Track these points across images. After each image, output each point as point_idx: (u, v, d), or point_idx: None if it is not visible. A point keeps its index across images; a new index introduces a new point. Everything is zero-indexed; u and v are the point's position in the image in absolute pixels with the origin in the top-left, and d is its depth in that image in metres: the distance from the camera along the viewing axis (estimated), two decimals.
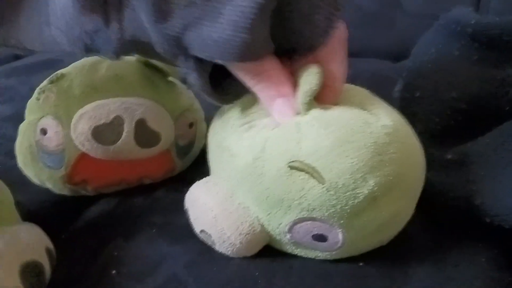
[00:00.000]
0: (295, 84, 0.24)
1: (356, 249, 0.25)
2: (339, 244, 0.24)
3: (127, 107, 0.30)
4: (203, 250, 0.26)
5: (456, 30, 0.32)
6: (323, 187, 0.22)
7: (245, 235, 0.24)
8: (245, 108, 0.27)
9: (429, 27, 0.37)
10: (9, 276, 0.23)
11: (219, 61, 0.23)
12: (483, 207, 0.24)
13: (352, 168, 0.21)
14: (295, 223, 0.23)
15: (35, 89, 0.33)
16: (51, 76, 0.33)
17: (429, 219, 0.28)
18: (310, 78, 0.23)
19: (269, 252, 0.26)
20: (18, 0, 0.28)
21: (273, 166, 0.22)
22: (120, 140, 0.30)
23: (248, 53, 0.22)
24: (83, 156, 0.31)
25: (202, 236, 0.27)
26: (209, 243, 0.26)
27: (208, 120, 0.30)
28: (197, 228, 0.26)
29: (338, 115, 0.23)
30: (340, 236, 0.23)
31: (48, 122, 0.31)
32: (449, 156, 0.28)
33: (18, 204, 0.31)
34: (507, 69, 0.28)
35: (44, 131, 0.31)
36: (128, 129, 0.30)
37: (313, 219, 0.23)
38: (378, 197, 0.22)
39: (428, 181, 0.27)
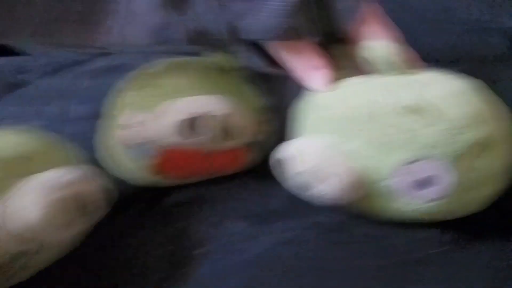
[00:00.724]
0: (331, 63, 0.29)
1: (461, 203, 0.26)
2: (443, 190, 0.24)
3: (215, 102, 0.32)
4: (290, 231, 0.28)
5: None
6: (437, 127, 0.24)
7: (343, 179, 0.25)
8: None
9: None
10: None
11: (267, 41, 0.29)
12: None
13: (474, 112, 0.24)
14: (402, 165, 0.25)
15: (111, 90, 0.36)
16: (137, 72, 0.36)
17: None
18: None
19: None
20: None
21: (387, 110, 0.25)
22: (207, 132, 0.32)
23: (291, 34, 0.28)
24: (168, 149, 0.33)
25: (296, 181, 0.27)
26: (302, 188, 0.27)
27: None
28: (295, 170, 0.27)
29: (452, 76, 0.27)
30: (446, 180, 0.24)
31: (133, 116, 0.33)
32: None
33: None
34: None
35: (129, 125, 0.33)
36: (215, 122, 0.32)
37: (421, 159, 0.24)
38: (489, 146, 0.24)
39: None
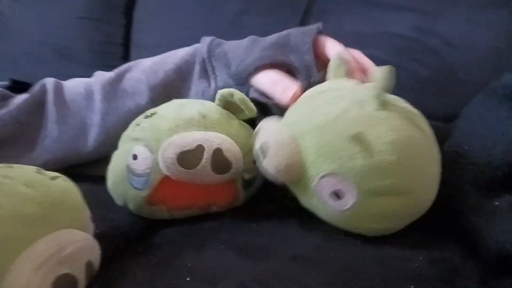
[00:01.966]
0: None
1: (354, 222, 0.33)
2: (346, 207, 0.31)
3: (208, 138, 0.35)
4: (270, 264, 0.30)
5: (506, 93, 0.35)
6: (368, 162, 0.30)
7: (291, 163, 0.33)
8: (333, 85, 0.39)
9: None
10: (43, 285, 0.24)
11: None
12: None
13: (395, 163, 0.30)
14: (330, 174, 0.31)
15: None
16: (145, 113, 0.40)
17: (477, 261, 0.30)
18: (384, 80, 0.36)
19: None
20: None
21: (342, 130, 0.32)
22: (200, 164, 0.35)
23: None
24: (165, 179, 0.36)
25: (260, 148, 0.35)
26: (261, 155, 0.35)
27: None
28: (261, 140, 0.35)
29: (405, 126, 0.33)
30: (352, 201, 0.31)
31: (140, 149, 0.37)
32: (496, 203, 0.30)
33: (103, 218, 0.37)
34: None
35: (135, 157, 0.37)
36: (207, 156, 0.35)
37: (344, 178, 0.31)
38: (396, 193, 0.31)
39: (474, 224, 0.29)
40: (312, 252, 0.31)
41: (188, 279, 0.30)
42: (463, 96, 0.58)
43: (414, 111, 0.36)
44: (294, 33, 0.46)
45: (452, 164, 0.34)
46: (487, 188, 0.32)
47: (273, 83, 0.44)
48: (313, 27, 0.46)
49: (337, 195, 0.32)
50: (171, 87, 0.49)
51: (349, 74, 0.41)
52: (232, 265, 0.30)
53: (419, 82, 0.63)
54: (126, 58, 0.89)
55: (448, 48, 0.61)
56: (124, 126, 0.41)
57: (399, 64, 0.62)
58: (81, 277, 0.26)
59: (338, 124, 0.32)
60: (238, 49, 0.47)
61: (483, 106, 0.37)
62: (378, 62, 0.45)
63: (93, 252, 0.28)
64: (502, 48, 0.57)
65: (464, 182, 0.32)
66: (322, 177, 0.32)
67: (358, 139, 0.31)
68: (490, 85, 0.40)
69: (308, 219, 0.36)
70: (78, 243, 0.27)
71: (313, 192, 0.33)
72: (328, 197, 0.32)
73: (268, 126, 0.37)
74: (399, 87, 0.61)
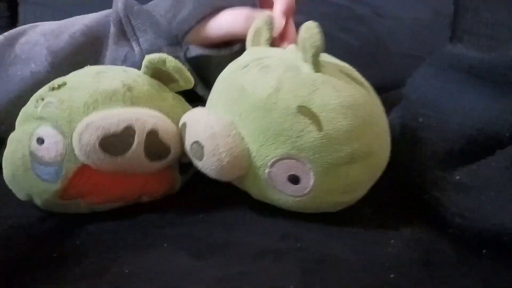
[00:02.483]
0: None
1: (318, 203, 0.29)
2: (307, 190, 0.28)
3: (138, 118, 0.29)
4: (233, 265, 0.25)
5: (456, 64, 0.34)
6: (319, 134, 0.27)
7: (234, 157, 0.28)
8: (256, 54, 0.33)
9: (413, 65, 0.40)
10: None
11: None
12: (502, 226, 0.25)
13: (348, 128, 0.27)
14: (281, 158, 0.28)
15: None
16: (50, 83, 0.32)
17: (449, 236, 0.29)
18: (313, 38, 0.28)
19: None
20: None
21: (284, 105, 0.27)
22: (130, 151, 0.28)
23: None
24: (83, 169, 0.29)
25: (191, 149, 0.30)
26: (196, 156, 0.30)
27: None
28: (191, 139, 0.29)
29: (346, 84, 0.29)
30: (312, 182, 0.28)
31: (47, 131, 0.29)
32: (457, 177, 0.29)
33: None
34: (506, 99, 0.30)
35: (41, 141, 0.29)
36: (138, 140, 0.28)
37: (297, 159, 0.28)
38: (356, 159, 0.28)
39: (438, 200, 0.28)
40: (279, 244, 0.27)
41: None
42: (394, 67, 0.58)
43: (345, 64, 0.33)
44: None
45: (409, 138, 0.32)
46: (446, 162, 0.31)
47: (249, 19, 0.37)
48: None
49: (294, 179, 0.28)
50: (79, 53, 0.40)
51: (270, 41, 0.36)
52: (185, 270, 0.25)
53: (350, 53, 0.62)
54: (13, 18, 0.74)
55: (377, 18, 0.60)
56: (17, 102, 0.34)
57: (330, 33, 0.60)
58: None
59: (276, 100, 0.28)
60: (163, 3, 0.41)
61: (433, 76, 0.36)
62: None
63: None
64: (429, 20, 0.58)
65: (423, 157, 0.31)
66: (273, 164, 0.28)
67: (302, 112, 0.27)
68: (434, 55, 0.39)
69: (264, 204, 0.32)
70: None
71: (265, 183, 0.29)
72: (285, 184, 0.29)
73: (195, 119, 0.30)
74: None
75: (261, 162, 0.29)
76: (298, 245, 0.27)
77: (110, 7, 0.41)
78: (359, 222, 0.30)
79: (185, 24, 0.39)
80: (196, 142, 0.29)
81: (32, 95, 0.32)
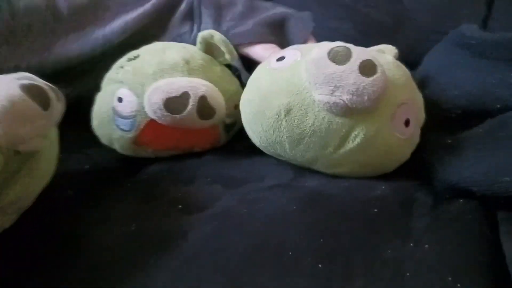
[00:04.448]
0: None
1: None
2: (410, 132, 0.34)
3: (193, 85, 0.37)
4: (253, 192, 0.33)
5: (461, 42, 0.39)
6: None
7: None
8: None
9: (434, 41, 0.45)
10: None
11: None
12: (471, 179, 0.31)
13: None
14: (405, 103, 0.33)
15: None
16: (127, 55, 0.41)
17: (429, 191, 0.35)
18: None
19: None
20: None
21: None
22: (186, 111, 0.37)
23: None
24: (151, 123, 0.38)
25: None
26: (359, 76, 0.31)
27: None
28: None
29: None
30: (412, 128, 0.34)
31: (125, 92, 0.38)
32: (448, 141, 0.35)
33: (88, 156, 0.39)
34: (497, 74, 0.35)
35: (120, 99, 0.38)
36: (192, 103, 0.37)
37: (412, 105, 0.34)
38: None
39: (428, 158, 0.34)
40: (289, 182, 0.35)
41: (180, 206, 0.33)
42: (419, 41, 0.61)
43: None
44: (293, 21, 0.50)
45: None
46: (441, 127, 0.36)
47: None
48: (310, 22, 0.50)
49: (407, 123, 0.33)
50: (148, 26, 0.47)
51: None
52: (220, 194, 0.34)
53: (372, 26, 0.63)
54: None
55: None
56: (90, 60, 0.43)
57: (353, 7, 0.64)
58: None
59: None
60: (233, 9, 0.48)
61: (443, 53, 0.41)
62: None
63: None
64: None
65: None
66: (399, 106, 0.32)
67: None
68: (448, 34, 0.43)
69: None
70: None
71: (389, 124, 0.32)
72: (402, 125, 0.33)
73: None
74: (358, 32, 0.63)
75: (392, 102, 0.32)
76: (306, 183, 0.34)
77: None
78: None
79: (238, 38, 0.47)
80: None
81: (102, 57, 0.41)
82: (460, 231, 0.28)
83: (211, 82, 0.39)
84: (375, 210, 0.30)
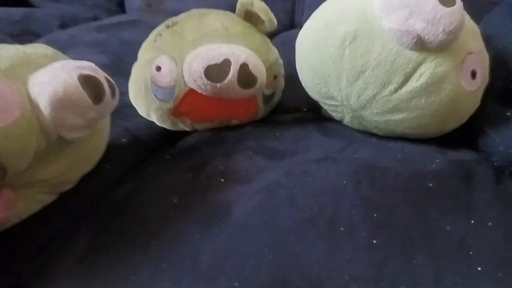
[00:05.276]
0: None
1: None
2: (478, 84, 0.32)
3: (234, 52, 0.35)
4: (299, 165, 0.32)
5: None
6: None
7: None
8: None
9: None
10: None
11: None
12: None
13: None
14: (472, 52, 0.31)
15: (124, 42, 0.39)
16: (165, 22, 0.39)
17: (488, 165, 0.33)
18: None
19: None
20: None
21: None
22: (226, 79, 0.35)
23: None
24: (190, 92, 0.37)
25: None
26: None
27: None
28: None
29: None
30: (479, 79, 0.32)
31: (163, 61, 0.37)
32: (508, 113, 0.33)
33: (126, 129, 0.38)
34: None
35: (158, 68, 0.37)
36: (233, 70, 0.35)
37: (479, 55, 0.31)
38: None
39: (487, 131, 0.32)
40: (337, 154, 0.33)
41: (222, 180, 0.32)
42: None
43: None
44: None
45: None
46: (501, 98, 0.34)
47: None
48: None
49: (473, 74, 0.31)
50: None
51: None
52: (263, 167, 0.32)
53: None
54: None
55: None
56: None
57: None
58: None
59: None
60: None
61: (500, 16, 0.38)
62: None
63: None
64: None
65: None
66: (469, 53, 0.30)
67: None
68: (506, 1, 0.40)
69: (326, 127, 0.38)
70: None
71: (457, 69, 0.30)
72: (469, 76, 0.31)
73: None
74: None
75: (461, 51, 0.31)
76: (355, 156, 0.32)
77: None
78: (410, 144, 0.34)
79: None
80: None
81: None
82: None
83: (251, 50, 0.37)
84: (432, 184, 0.28)
